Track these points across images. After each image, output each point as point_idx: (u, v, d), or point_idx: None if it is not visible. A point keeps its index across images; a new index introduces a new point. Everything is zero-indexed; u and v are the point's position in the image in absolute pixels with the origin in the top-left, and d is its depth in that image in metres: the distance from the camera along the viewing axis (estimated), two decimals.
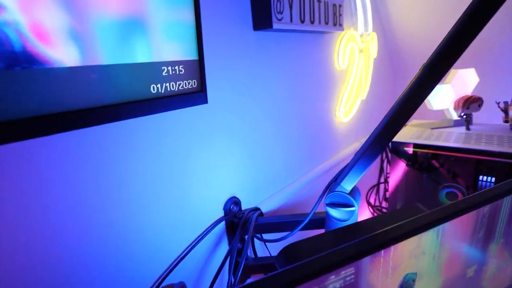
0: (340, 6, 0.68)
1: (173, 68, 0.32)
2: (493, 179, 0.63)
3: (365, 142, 0.43)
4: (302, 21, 0.56)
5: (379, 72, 1.06)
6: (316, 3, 0.59)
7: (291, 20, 0.54)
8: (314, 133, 0.77)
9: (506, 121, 0.77)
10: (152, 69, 0.29)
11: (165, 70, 0.31)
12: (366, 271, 0.25)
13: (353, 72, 0.89)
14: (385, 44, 1.13)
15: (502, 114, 0.76)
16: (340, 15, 0.69)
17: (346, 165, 0.40)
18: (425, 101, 0.82)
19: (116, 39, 0.26)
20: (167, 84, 0.31)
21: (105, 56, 0.25)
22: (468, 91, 0.82)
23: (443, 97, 0.82)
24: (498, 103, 0.76)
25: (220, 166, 0.51)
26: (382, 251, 0.26)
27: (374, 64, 1.00)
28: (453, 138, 0.72)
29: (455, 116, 0.83)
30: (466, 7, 0.30)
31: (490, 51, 0.85)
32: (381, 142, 0.41)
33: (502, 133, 0.72)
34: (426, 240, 0.28)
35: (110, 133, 0.32)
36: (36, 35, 0.21)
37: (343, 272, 0.23)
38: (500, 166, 0.61)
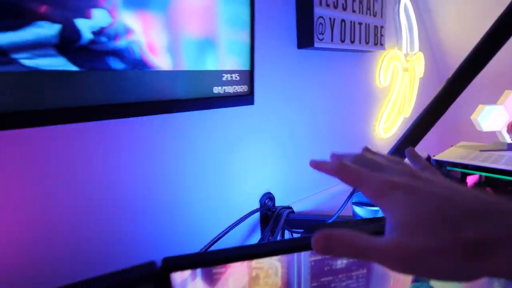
0: (382, 27, 0.74)
1: (231, 75, 0.42)
2: None
3: (391, 147, 0.48)
4: (343, 41, 0.64)
5: (426, 90, 1.06)
6: (357, 25, 0.66)
7: (331, 40, 0.62)
8: (350, 145, 0.81)
9: None
10: (216, 75, 0.40)
11: (225, 77, 0.41)
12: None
13: (396, 89, 0.92)
14: (434, 64, 1.13)
15: None
16: (382, 35, 0.74)
17: None
18: (474, 121, 0.81)
19: (195, 52, 0.37)
20: (226, 87, 0.42)
21: (187, 64, 0.36)
22: None
23: (495, 119, 0.80)
24: None
25: (260, 162, 0.59)
26: None
27: (420, 82, 1.02)
28: (503, 161, 0.71)
29: (508, 139, 0.80)
30: None
31: None
32: (403, 148, 0.46)
33: None
34: None
35: (179, 121, 0.43)
36: (149, 49, 0.33)
37: None
38: None
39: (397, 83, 0.92)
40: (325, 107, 0.71)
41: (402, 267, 0.15)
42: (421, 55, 1.00)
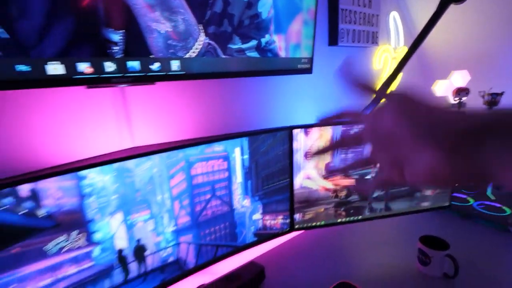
0: (376, 32, 1.27)
1: (304, 58, 0.95)
2: None
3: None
4: (353, 41, 1.17)
5: (409, 72, 1.59)
6: (362, 32, 1.19)
7: (347, 41, 1.15)
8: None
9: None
10: (299, 60, 0.93)
11: (302, 60, 0.94)
12: None
13: (386, 71, 1.45)
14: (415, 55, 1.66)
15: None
16: (376, 37, 1.27)
17: None
18: (433, 90, 1.33)
19: (293, 49, 0.90)
20: (302, 65, 0.95)
21: (290, 54, 0.89)
22: (462, 85, 1.32)
23: (445, 88, 1.33)
24: (480, 92, 1.24)
25: (306, 112, 1.13)
26: None
27: (404, 68, 1.54)
28: None
29: (452, 101, 1.33)
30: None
31: (480, 55, 1.34)
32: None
33: None
34: None
35: (283, 79, 0.97)
36: (279, 49, 0.86)
37: None
38: None
39: (387, 66, 1.45)
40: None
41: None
42: (405, 48, 1.51)
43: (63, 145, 0.66)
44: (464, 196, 1.20)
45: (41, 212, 0.51)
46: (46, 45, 0.53)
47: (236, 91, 0.93)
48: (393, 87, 1.43)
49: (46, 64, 0.53)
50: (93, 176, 0.55)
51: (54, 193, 0.52)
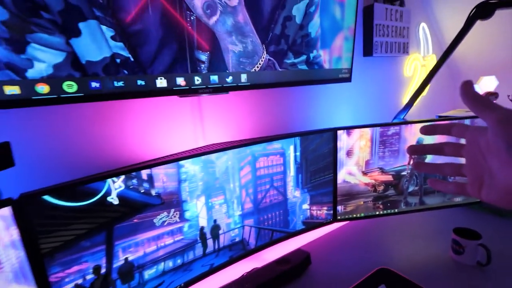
0: (407, 43, 1.38)
1: (344, 69, 1.08)
2: None
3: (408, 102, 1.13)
4: (386, 52, 1.28)
5: (438, 78, 1.67)
6: (394, 44, 1.31)
7: (381, 52, 1.27)
8: (390, 111, 1.45)
9: None
10: (340, 70, 1.06)
11: (343, 70, 1.07)
12: None
13: (416, 77, 1.54)
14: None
15: None
16: (407, 47, 1.38)
17: None
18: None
19: (335, 61, 1.03)
20: (342, 75, 1.08)
21: (332, 65, 1.03)
22: (491, 89, 1.39)
23: None
24: (508, 96, 1.31)
25: (345, 115, 1.25)
26: None
27: None
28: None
29: None
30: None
31: (507, 61, 1.41)
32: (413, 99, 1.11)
33: None
34: None
35: (326, 88, 1.10)
36: (323, 61, 1.00)
37: None
38: None
39: (417, 73, 1.55)
40: (375, 87, 1.36)
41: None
42: (433, 56, 1.61)
43: (150, 143, 0.83)
44: None
45: (153, 192, 0.67)
46: (157, 65, 0.69)
47: (288, 98, 1.08)
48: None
49: (156, 79, 0.70)
50: (187, 166, 0.71)
51: (162, 178, 0.68)
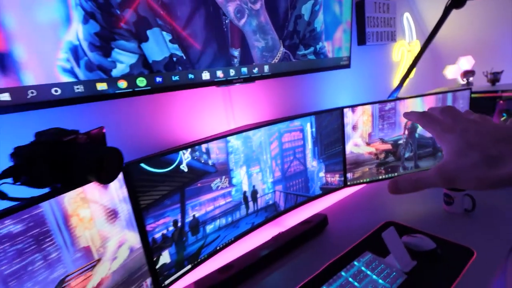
0: (394, 31, 1.58)
1: (344, 57, 1.27)
2: None
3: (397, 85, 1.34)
4: (377, 41, 1.49)
5: (423, 60, 1.89)
6: (383, 33, 1.51)
7: (372, 41, 1.47)
8: (381, 91, 1.65)
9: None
10: (341, 58, 1.25)
11: (343, 58, 1.26)
12: None
13: (404, 62, 1.75)
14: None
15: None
16: (394, 35, 1.59)
17: None
18: (444, 74, 1.64)
19: (336, 51, 1.22)
20: (343, 62, 1.27)
21: (334, 54, 1.21)
22: (468, 68, 1.61)
23: (454, 72, 1.63)
24: (483, 72, 1.53)
25: (346, 95, 1.45)
26: None
27: None
28: None
29: (461, 82, 1.62)
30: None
31: (481, 44, 1.63)
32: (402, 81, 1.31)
33: None
34: None
35: (327, 75, 1.29)
36: (328, 51, 1.18)
37: None
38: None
39: (404, 58, 1.76)
40: (369, 71, 1.56)
41: (442, 183, 0.22)
42: (417, 42, 1.82)
43: (191, 127, 1.00)
44: None
45: (210, 162, 0.84)
46: (202, 61, 0.86)
47: (300, 84, 1.27)
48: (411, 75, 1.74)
49: (202, 72, 0.87)
50: (232, 141, 0.89)
51: (215, 151, 0.85)
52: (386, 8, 1.51)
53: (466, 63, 1.62)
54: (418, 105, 1.22)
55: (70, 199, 0.56)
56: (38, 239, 0.51)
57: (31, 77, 0.63)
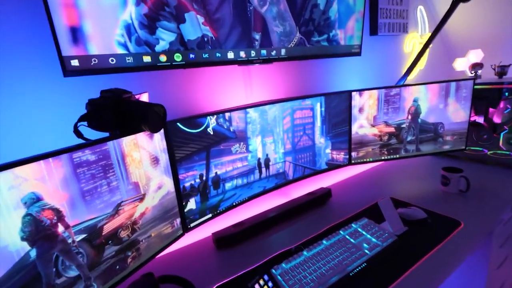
0: (406, 23, 1.69)
1: (355, 45, 1.39)
2: None
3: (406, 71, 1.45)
4: (389, 31, 1.60)
5: (434, 52, 1.98)
6: (395, 24, 1.62)
7: (384, 31, 1.58)
8: (390, 77, 1.77)
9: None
10: (353, 46, 1.38)
11: (354, 46, 1.39)
12: None
13: (415, 53, 1.85)
14: (437, 38, 2.04)
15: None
16: (406, 27, 1.69)
17: None
18: (453, 66, 1.73)
19: (348, 39, 1.34)
20: (354, 50, 1.39)
21: (346, 42, 1.34)
22: (477, 61, 1.69)
23: (463, 64, 1.72)
24: (491, 66, 1.62)
25: (356, 80, 1.58)
26: None
27: (430, 50, 1.93)
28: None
29: (469, 74, 1.72)
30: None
31: (491, 38, 1.71)
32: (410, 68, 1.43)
33: None
34: None
35: (339, 61, 1.42)
36: (340, 39, 1.31)
37: None
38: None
39: (415, 50, 1.85)
40: (379, 60, 1.68)
41: None
42: (429, 34, 1.90)
43: (215, 99, 1.15)
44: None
45: (231, 129, 1.00)
46: (228, 42, 1.02)
47: (313, 68, 1.41)
48: (420, 64, 1.84)
49: (228, 52, 1.03)
50: (251, 113, 1.04)
51: (236, 120, 1.01)
52: (400, 0, 1.62)
53: (475, 56, 1.71)
54: (422, 92, 1.34)
55: (127, 142, 0.73)
56: (105, 169, 0.68)
57: (94, 48, 0.80)
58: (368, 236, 0.99)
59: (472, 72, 1.68)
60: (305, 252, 0.90)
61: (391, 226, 1.05)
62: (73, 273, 0.62)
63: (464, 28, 1.80)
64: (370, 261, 0.87)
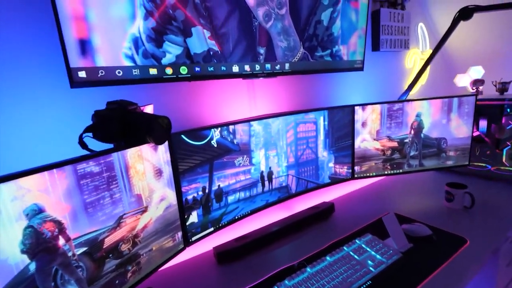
0: (408, 39, 1.72)
1: (358, 61, 1.41)
2: None
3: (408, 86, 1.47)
4: (391, 47, 1.62)
5: (436, 69, 2.00)
6: (397, 40, 1.64)
7: (386, 47, 1.60)
8: (392, 92, 1.78)
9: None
10: (355, 61, 1.40)
11: (357, 62, 1.41)
12: None
13: (416, 69, 1.88)
14: (438, 55, 2.07)
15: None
16: (408, 43, 1.72)
17: None
18: (455, 82, 1.75)
19: (351, 54, 1.36)
20: (356, 65, 1.41)
21: (349, 58, 1.36)
22: (478, 77, 1.71)
23: (464, 81, 1.74)
24: (492, 82, 1.64)
25: (358, 95, 1.59)
26: None
27: (431, 65, 1.96)
28: None
29: (470, 90, 1.73)
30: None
31: (492, 54, 1.74)
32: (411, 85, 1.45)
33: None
34: None
35: (342, 76, 1.44)
36: (343, 54, 1.33)
37: None
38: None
39: (416, 65, 1.88)
40: (381, 75, 1.69)
41: None
42: (431, 51, 1.93)
43: (219, 111, 1.16)
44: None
45: (235, 141, 1.00)
46: (233, 56, 1.03)
47: (316, 82, 1.42)
48: (422, 80, 1.86)
49: (233, 66, 1.04)
50: (255, 125, 1.05)
51: (240, 132, 1.01)
52: (401, 17, 1.65)
53: (476, 72, 1.73)
54: (425, 107, 1.34)
55: (131, 154, 0.73)
56: (108, 180, 0.68)
57: (102, 60, 0.81)
58: (373, 252, 0.97)
59: (474, 88, 1.70)
60: (308, 269, 0.88)
61: (396, 242, 1.03)
62: (72, 287, 0.60)
63: (464, 45, 1.84)
64: (375, 279, 0.85)
